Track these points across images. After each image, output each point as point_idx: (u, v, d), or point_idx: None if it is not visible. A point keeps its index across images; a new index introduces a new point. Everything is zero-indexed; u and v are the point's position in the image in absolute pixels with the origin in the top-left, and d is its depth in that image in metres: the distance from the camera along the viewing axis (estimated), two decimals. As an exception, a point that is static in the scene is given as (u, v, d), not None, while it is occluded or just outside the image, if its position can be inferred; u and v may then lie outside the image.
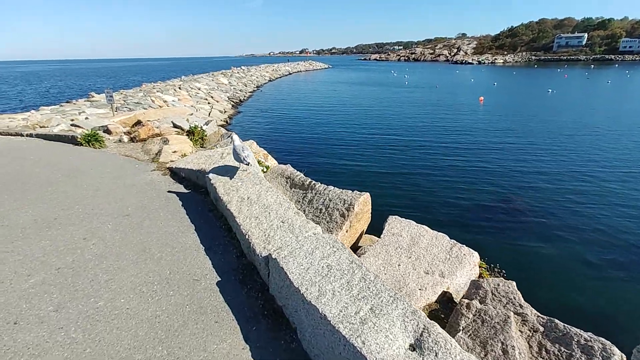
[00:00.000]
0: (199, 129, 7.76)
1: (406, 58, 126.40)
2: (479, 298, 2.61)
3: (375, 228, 4.30)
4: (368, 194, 3.90)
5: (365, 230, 4.15)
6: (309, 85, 46.47)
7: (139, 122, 10.74)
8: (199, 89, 31.58)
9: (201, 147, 7.51)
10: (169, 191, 4.66)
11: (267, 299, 2.59)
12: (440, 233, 3.50)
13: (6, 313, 2.40)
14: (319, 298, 2.03)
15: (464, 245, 3.28)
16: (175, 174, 5.31)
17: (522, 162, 11.52)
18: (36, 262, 2.98)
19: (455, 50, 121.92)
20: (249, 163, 3.88)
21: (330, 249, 2.54)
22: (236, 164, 4.29)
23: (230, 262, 3.04)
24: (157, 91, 26.71)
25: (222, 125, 19.16)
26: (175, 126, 9.62)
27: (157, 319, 2.38)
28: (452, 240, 3.39)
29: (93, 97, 24.26)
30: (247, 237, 2.87)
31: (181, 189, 4.75)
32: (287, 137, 16.78)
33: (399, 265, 3.19)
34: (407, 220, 3.68)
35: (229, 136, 6.64)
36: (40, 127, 10.43)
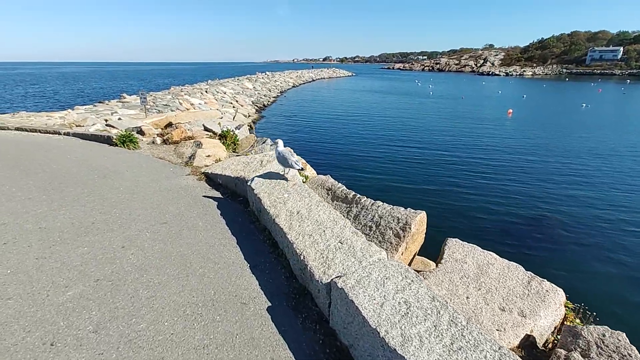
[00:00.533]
0: (232, 133, 7.62)
1: (430, 68, 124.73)
2: (579, 350, 2.18)
3: (425, 249, 3.92)
4: (424, 212, 3.53)
5: (417, 252, 3.78)
6: (333, 92, 46.44)
7: (170, 124, 10.81)
8: (225, 93, 32.11)
9: (233, 151, 7.35)
10: (205, 196, 4.45)
11: (327, 334, 2.26)
12: (512, 262, 3.07)
13: (43, 331, 2.18)
14: (405, 345, 1.68)
15: (545, 280, 2.84)
16: (211, 179, 5.12)
17: (570, 183, 10.62)
18: (74, 272, 2.79)
19: (481, 62, 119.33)
20: (301, 168, 3.60)
21: (403, 280, 2.19)
22: (279, 171, 4.03)
23: (280, 284, 2.74)
24: (185, 94, 27.31)
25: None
26: (206, 129, 9.56)
27: (206, 350, 2.09)
28: (528, 272, 2.96)
29: (124, 98, 25.07)
30: (301, 258, 2.56)
31: (218, 195, 4.53)
32: (310, 144, 16.39)
33: (467, 297, 2.79)
34: (470, 244, 3.27)
35: (264, 142, 6.43)
36: (77, 125, 10.67)
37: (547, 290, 2.74)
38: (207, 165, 5.78)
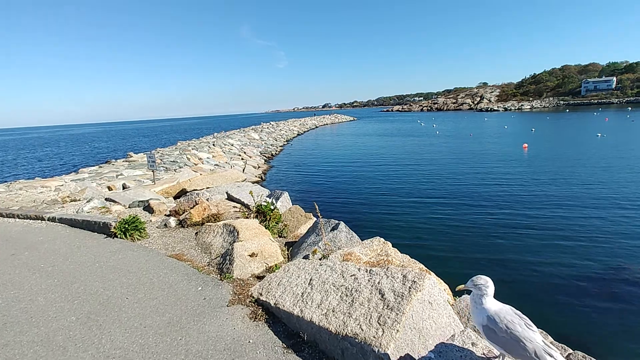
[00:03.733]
0: (273, 209, 5.53)
1: (429, 108, 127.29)
2: None
3: None
4: None
5: None
6: (338, 138, 45.63)
7: (184, 192, 8.85)
8: (232, 145, 31.12)
9: (280, 236, 5.20)
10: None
11: None
12: None
13: None
14: None
15: None
16: (276, 317, 2.89)
17: (619, 224, 8.59)
18: None
19: (478, 99, 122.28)
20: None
21: None
22: (469, 346, 1.82)
23: None
24: (192, 148, 26.19)
25: (257, 182, 17.41)
26: (231, 199, 7.54)
27: None
28: None
29: (131, 156, 23.77)
30: None
31: (305, 372, 2.29)
32: (326, 194, 14.74)
33: None
34: None
35: (334, 227, 4.28)
36: (71, 200, 8.71)
37: None
38: (258, 277, 3.59)
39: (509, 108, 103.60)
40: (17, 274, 3.96)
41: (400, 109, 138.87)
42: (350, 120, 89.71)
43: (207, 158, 22.88)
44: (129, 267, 4.07)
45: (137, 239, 5.27)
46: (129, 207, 7.41)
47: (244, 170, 22.30)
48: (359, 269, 2.89)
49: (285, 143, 41.15)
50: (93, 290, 3.48)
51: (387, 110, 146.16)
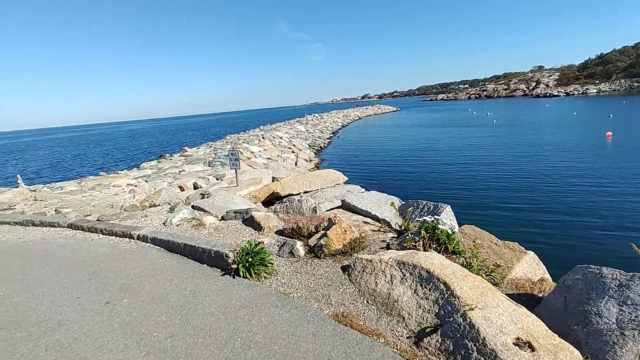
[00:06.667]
0: (453, 235, 3.65)
1: (477, 95, 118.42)
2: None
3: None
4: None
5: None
6: (387, 129, 42.80)
7: (277, 197, 7.32)
8: (281, 138, 30.11)
9: (489, 276, 3.32)
10: None
11: None
12: None
13: None
14: None
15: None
16: None
17: None
18: None
19: (534, 84, 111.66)
20: None
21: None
22: None
23: None
24: (243, 142, 25.40)
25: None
26: (350, 209, 5.79)
27: None
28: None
29: (186, 151, 23.45)
30: None
31: None
32: (391, 187, 13.34)
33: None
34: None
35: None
36: (150, 205, 7.52)
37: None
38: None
39: (572, 93, 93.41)
40: (122, 355, 2.45)
41: (445, 98, 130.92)
42: (393, 111, 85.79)
43: (259, 152, 21.82)
44: (294, 351, 2.39)
45: (265, 276, 3.67)
46: (222, 219, 5.95)
47: (296, 163, 20.91)
48: None
49: (332, 135, 39.43)
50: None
51: (431, 100, 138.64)
